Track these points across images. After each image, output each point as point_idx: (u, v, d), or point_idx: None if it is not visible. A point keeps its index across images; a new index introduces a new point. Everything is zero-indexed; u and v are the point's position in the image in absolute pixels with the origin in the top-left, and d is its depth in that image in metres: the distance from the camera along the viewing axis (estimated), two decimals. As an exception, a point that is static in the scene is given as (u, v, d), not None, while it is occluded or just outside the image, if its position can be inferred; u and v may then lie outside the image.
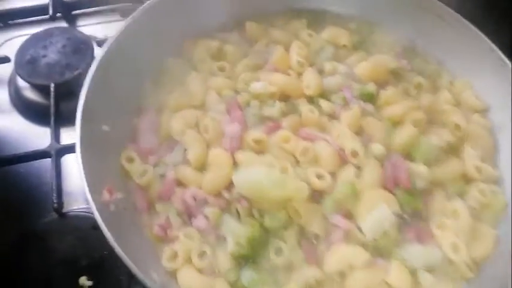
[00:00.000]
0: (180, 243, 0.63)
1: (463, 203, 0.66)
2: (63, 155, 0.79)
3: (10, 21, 1.03)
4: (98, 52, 0.70)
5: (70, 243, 0.72)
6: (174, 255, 0.62)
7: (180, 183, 0.67)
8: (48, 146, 0.80)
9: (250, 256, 0.61)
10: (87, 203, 0.59)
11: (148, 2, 0.75)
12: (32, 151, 0.80)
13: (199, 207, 0.65)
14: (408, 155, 0.69)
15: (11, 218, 0.65)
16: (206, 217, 0.64)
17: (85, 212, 0.76)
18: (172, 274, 0.62)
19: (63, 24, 1.02)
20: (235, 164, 0.66)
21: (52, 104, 0.84)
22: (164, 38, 0.77)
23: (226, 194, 0.65)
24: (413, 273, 0.62)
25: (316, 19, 0.85)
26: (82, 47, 0.91)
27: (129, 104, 0.73)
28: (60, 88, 0.86)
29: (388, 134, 0.70)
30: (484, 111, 0.77)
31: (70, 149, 0.78)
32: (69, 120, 0.82)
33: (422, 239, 0.65)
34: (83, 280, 0.67)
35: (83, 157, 0.61)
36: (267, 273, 0.61)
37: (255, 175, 0.62)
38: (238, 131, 0.68)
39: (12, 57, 0.91)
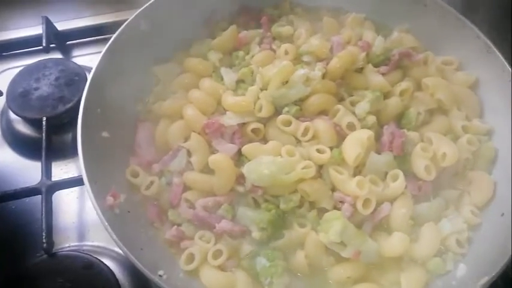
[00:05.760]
0: (196, 245, 0.68)
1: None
2: (55, 191, 0.81)
3: (3, 53, 1.05)
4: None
5: (60, 285, 0.72)
6: (191, 257, 0.68)
7: (188, 189, 0.73)
8: (39, 183, 0.80)
9: (273, 236, 0.68)
10: (95, 209, 0.62)
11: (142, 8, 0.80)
12: (22, 188, 0.81)
13: (214, 213, 0.70)
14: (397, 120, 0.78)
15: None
16: (225, 217, 0.70)
17: (76, 251, 0.77)
18: (192, 274, 0.67)
19: (58, 55, 1.04)
20: (243, 157, 0.72)
21: (44, 138, 0.85)
22: (156, 46, 0.82)
23: (240, 188, 0.71)
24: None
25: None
26: (76, 79, 0.93)
27: (127, 112, 0.78)
28: (52, 121, 0.88)
29: (378, 104, 0.76)
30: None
31: (61, 185, 0.82)
32: (61, 155, 0.89)
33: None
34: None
35: (85, 162, 0.65)
36: (279, 256, 0.67)
37: (264, 164, 0.68)
38: (235, 124, 0.74)
39: (5, 90, 0.92)
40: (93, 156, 0.67)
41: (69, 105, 0.90)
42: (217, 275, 0.66)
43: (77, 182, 0.81)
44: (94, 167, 0.66)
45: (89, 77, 0.73)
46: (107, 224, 0.61)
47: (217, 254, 0.68)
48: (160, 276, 0.61)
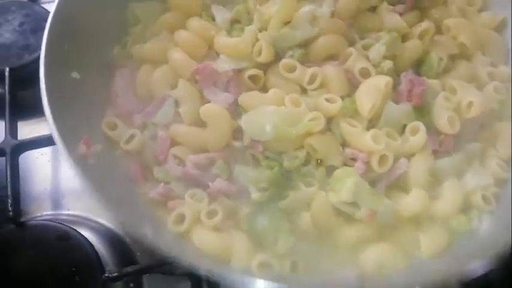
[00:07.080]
0: (187, 205, 0.60)
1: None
2: (22, 152, 0.72)
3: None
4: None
5: (30, 259, 0.63)
6: (181, 218, 0.59)
7: (176, 144, 0.63)
8: (2, 143, 0.71)
9: (274, 197, 0.59)
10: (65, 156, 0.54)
11: None
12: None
13: (208, 171, 0.61)
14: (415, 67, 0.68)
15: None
16: (220, 176, 0.61)
17: (50, 220, 0.69)
18: (182, 236, 0.59)
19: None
20: (239, 108, 0.63)
21: (7, 91, 0.76)
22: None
23: (237, 143, 0.62)
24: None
25: None
26: (43, 25, 0.80)
27: (102, 54, 0.68)
28: (16, 73, 0.79)
29: (395, 46, 0.66)
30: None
31: (29, 144, 0.73)
32: (30, 113, 0.79)
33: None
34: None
35: (51, 105, 0.56)
36: (282, 216, 0.59)
37: (265, 115, 0.59)
38: (230, 70, 0.64)
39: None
40: (61, 98, 0.58)
41: (36, 55, 0.77)
42: (213, 236, 0.58)
43: (46, 141, 0.70)
44: (62, 111, 0.57)
45: (54, 5, 0.62)
46: (79, 171, 0.52)
47: (212, 214, 0.59)
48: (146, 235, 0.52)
